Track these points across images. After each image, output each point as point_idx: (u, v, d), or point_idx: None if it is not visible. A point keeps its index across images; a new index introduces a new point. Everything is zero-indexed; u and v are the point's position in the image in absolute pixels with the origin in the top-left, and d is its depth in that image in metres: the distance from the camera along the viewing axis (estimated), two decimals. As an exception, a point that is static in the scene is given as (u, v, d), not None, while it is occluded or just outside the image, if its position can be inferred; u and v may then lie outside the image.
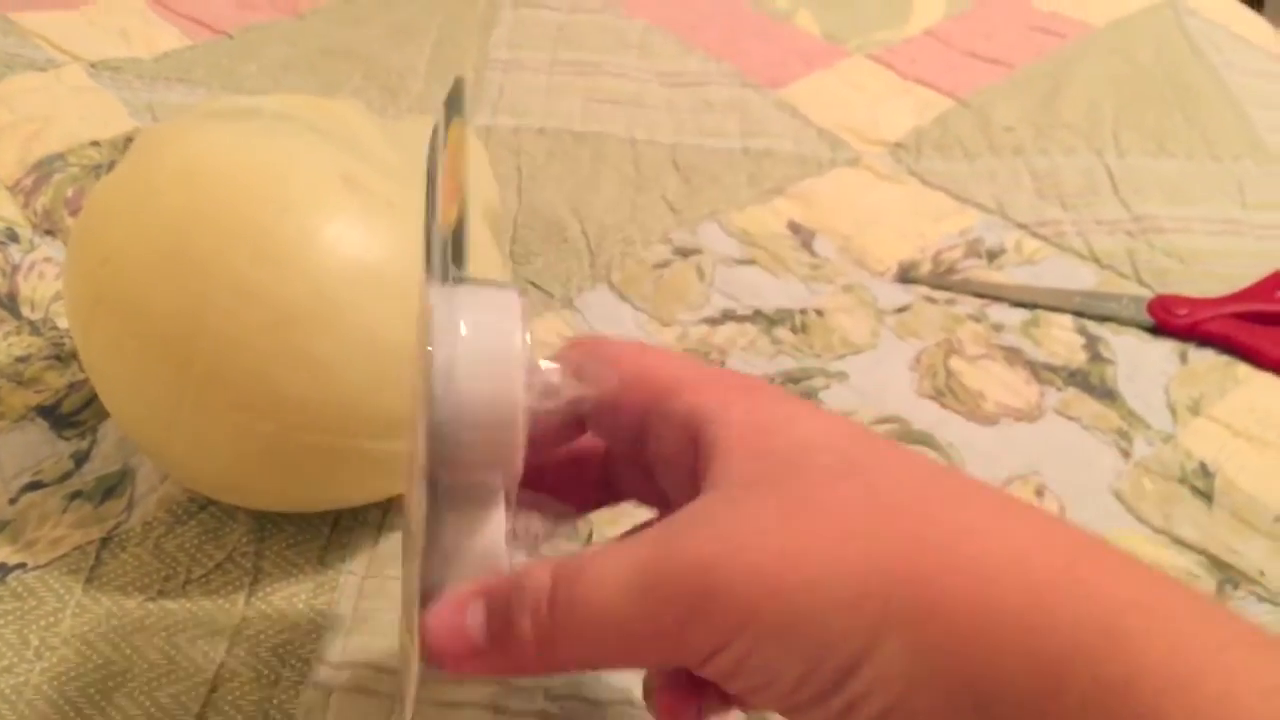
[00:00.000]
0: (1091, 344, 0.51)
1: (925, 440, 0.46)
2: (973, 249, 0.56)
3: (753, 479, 0.26)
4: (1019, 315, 0.52)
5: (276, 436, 0.35)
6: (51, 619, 0.38)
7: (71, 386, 0.46)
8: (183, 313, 0.35)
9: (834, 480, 0.26)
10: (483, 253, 0.40)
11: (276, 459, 0.36)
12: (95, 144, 0.59)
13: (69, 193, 0.56)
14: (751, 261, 0.55)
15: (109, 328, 0.37)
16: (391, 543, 0.41)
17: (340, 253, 0.35)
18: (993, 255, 0.56)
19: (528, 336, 0.27)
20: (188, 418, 0.36)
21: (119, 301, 0.36)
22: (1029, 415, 0.47)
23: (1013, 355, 0.50)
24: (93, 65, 0.66)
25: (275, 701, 0.36)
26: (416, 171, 0.40)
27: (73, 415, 0.45)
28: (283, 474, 0.37)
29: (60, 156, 0.58)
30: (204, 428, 0.36)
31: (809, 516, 0.25)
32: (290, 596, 0.39)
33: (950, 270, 0.55)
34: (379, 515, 0.41)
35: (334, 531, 0.41)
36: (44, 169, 0.57)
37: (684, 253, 0.55)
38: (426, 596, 0.27)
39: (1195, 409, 0.48)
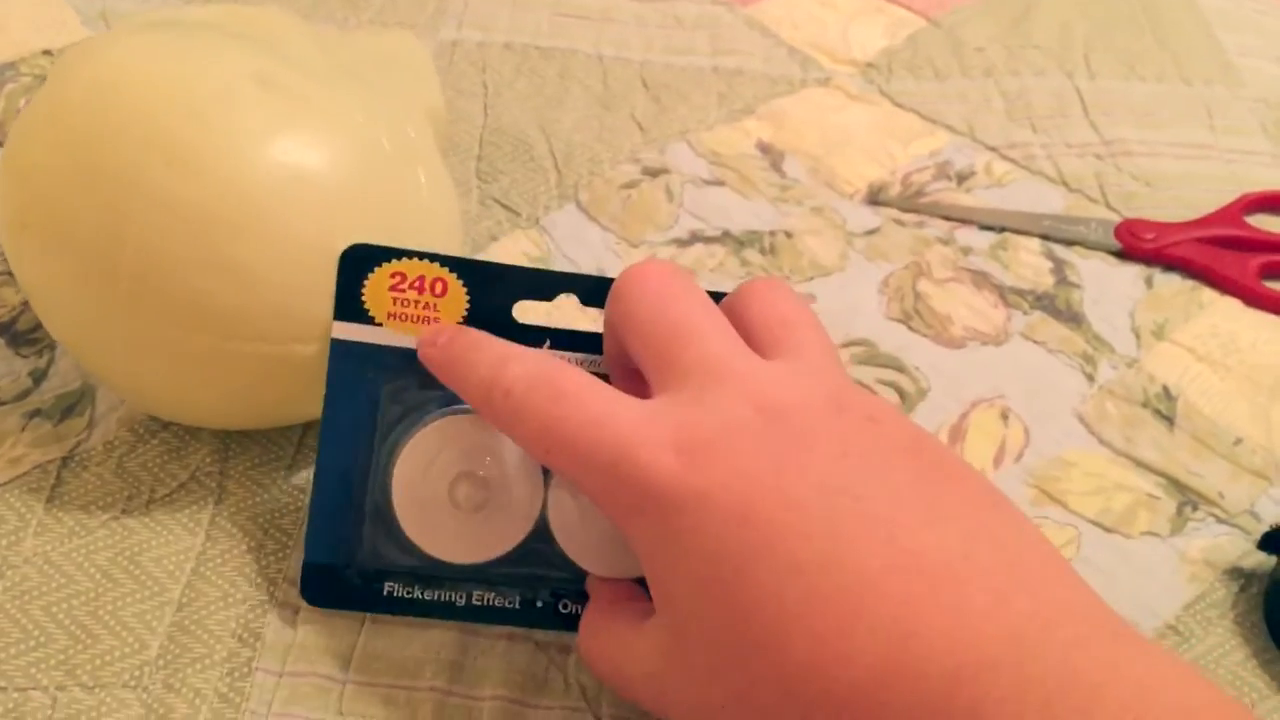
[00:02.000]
0: (1059, 268, 0.51)
1: (893, 363, 0.46)
2: (942, 171, 0.56)
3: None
4: (987, 238, 0.52)
5: (209, 347, 0.35)
6: (13, 538, 0.38)
7: (27, 303, 0.45)
8: (104, 228, 0.34)
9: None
10: (427, 159, 0.39)
11: (212, 371, 0.36)
12: (47, 53, 0.58)
13: (22, 103, 0.55)
14: (720, 182, 0.54)
15: (35, 249, 0.36)
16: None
17: (254, 153, 0.34)
18: (962, 178, 0.55)
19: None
20: (120, 335, 0.36)
21: (42, 222, 0.35)
22: (995, 338, 0.48)
23: (980, 279, 0.50)
24: (43, -29, 0.64)
25: (241, 621, 0.36)
26: (343, 73, 0.39)
27: (29, 332, 0.44)
28: (221, 386, 0.37)
29: (12, 66, 0.57)
30: (137, 344, 0.36)
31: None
32: (255, 516, 0.39)
33: (919, 193, 0.54)
34: (345, 435, 0.41)
35: (298, 451, 0.41)
36: (-6, 79, 0.56)
37: (652, 172, 0.54)
38: None
39: (1160, 333, 0.48)
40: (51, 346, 0.43)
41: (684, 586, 0.27)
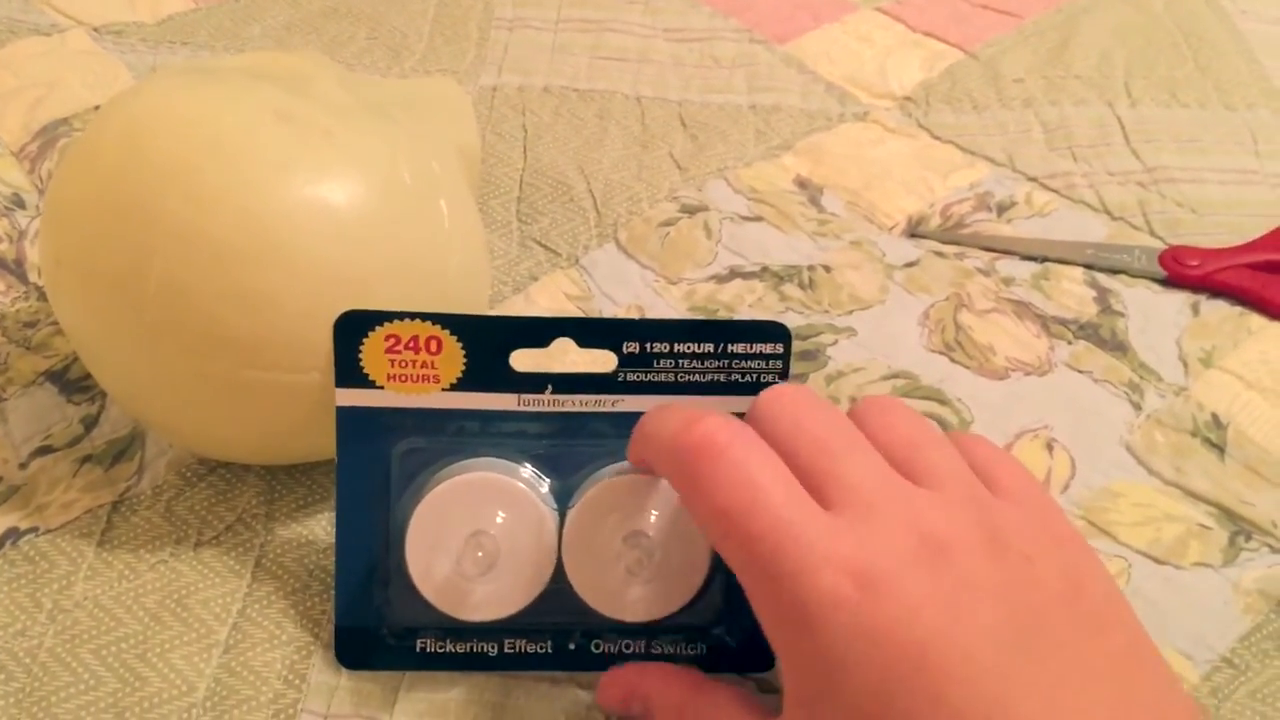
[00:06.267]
0: (1102, 296, 0.50)
1: (935, 395, 0.46)
2: (982, 202, 0.56)
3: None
4: (1029, 268, 0.52)
5: (228, 376, 0.35)
6: (64, 582, 0.38)
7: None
8: (129, 262, 0.35)
9: None
10: (451, 193, 0.39)
11: (231, 400, 0.36)
12: (99, 108, 0.59)
13: (73, 158, 0.56)
14: (759, 218, 0.54)
15: (69, 287, 0.37)
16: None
17: (270, 185, 0.35)
18: (1002, 208, 0.55)
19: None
20: (146, 366, 0.36)
21: (74, 259, 0.37)
22: (1039, 369, 0.47)
23: (1022, 309, 0.50)
24: (96, 29, 0.65)
25: (287, 663, 0.36)
26: (369, 111, 0.40)
27: (81, 380, 0.45)
28: (242, 415, 0.37)
29: (65, 121, 0.58)
30: (163, 376, 0.36)
31: None
32: (301, 557, 0.39)
33: (959, 224, 0.54)
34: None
35: (343, 493, 0.41)
36: (48, 134, 0.57)
37: (691, 210, 0.54)
38: None
39: (1207, 361, 0.47)
40: (102, 394, 0.44)
41: (840, 713, 0.27)
